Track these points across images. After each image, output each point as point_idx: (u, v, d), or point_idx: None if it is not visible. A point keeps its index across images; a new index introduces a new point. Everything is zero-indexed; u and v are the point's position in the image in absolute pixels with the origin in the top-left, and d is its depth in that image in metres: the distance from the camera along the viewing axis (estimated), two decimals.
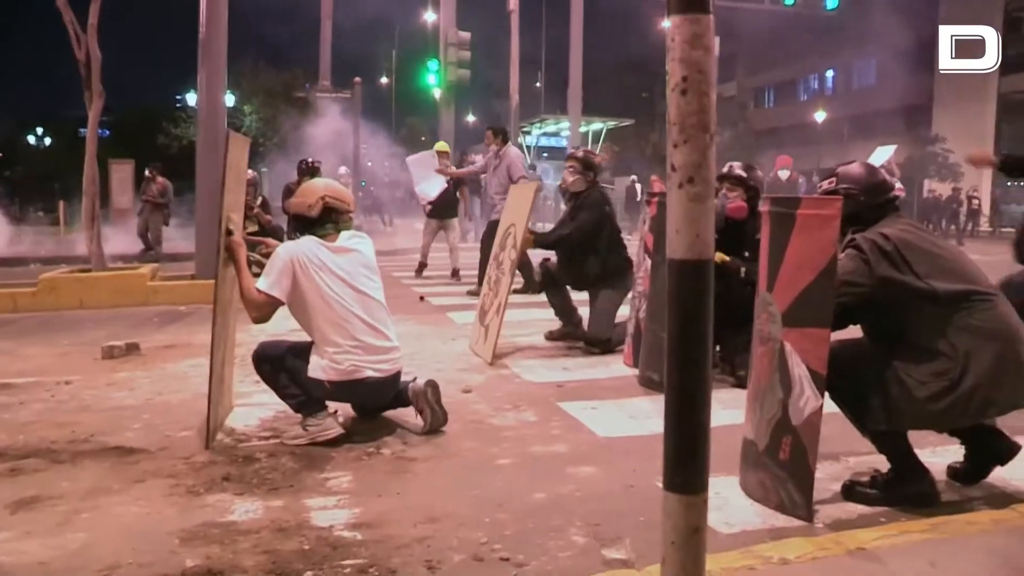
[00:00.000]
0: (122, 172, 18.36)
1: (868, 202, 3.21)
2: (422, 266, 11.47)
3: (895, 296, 3.00)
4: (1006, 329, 2.94)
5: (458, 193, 11.24)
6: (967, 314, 2.93)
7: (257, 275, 3.89)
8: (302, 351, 3.88)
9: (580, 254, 6.15)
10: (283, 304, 3.83)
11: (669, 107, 1.55)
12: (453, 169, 11.37)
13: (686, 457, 1.66)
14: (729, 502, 3.11)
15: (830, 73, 52.71)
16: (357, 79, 19.14)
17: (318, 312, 3.79)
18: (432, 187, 10.73)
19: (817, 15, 27.04)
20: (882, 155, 11.22)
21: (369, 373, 3.83)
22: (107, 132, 41.99)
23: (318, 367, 3.79)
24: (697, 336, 1.60)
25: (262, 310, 3.81)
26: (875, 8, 39.33)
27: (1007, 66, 37.99)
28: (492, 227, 8.93)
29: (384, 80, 54.28)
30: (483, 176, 10.31)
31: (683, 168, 1.55)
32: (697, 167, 1.54)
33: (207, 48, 9.35)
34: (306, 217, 3.96)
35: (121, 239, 14.94)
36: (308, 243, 3.89)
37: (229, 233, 3.81)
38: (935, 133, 38.38)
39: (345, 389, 3.86)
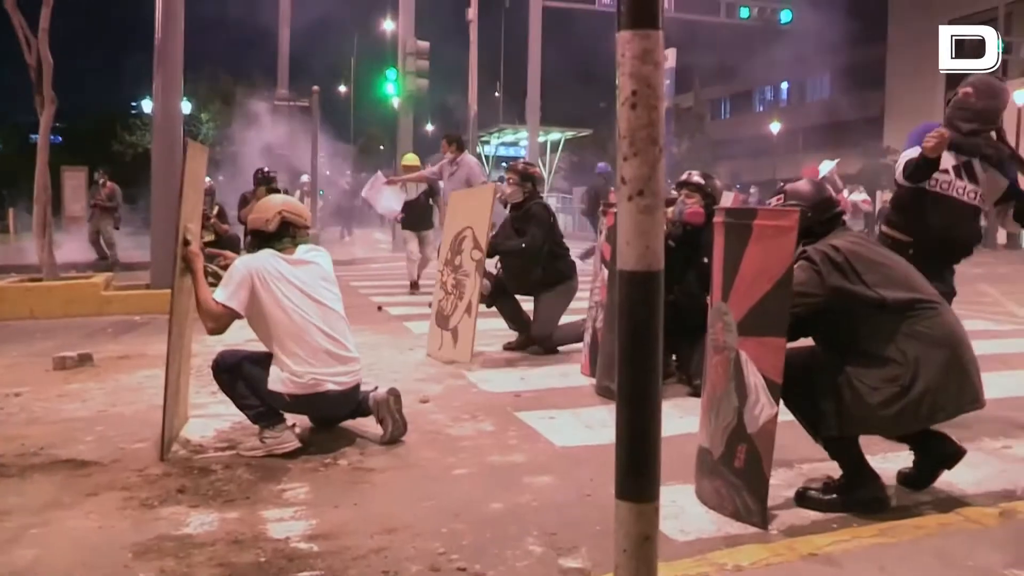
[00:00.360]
0: (75, 179, 18.11)
1: (816, 218, 3.29)
2: (414, 285, 10.76)
3: (846, 305, 3.07)
4: (952, 336, 3.04)
5: (432, 201, 10.82)
6: (915, 321, 3.01)
7: (214, 286, 3.86)
8: (261, 361, 3.84)
9: (526, 263, 6.36)
10: (240, 316, 3.80)
11: (619, 121, 1.58)
12: (401, 176, 11.22)
13: (637, 466, 1.68)
14: (684, 510, 3.15)
15: (785, 85, 53.64)
16: (315, 88, 19.01)
17: (278, 324, 3.76)
18: (392, 201, 10.70)
19: (772, 29, 27.51)
20: (824, 168, 11.48)
21: (330, 386, 3.81)
22: (59, 138, 41.25)
23: (278, 380, 3.76)
24: (647, 346, 1.63)
25: (219, 321, 3.77)
26: (828, 23, 40.08)
27: (953, 81, 38.98)
28: None
29: (343, 89, 54.08)
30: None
31: (633, 181, 1.58)
32: (647, 180, 1.57)
33: (163, 54, 9.24)
34: (264, 232, 3.96)
35: (74, 247, 14.71)
36: (266, 256, 3.87)
37: (186, 243, 3.78)
38: (887, 145, 39.17)
39: (304, 402, 3.84)
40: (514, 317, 6.66)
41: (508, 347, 6.58)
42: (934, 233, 4.39)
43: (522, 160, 7.77)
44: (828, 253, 3.10)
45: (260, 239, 3.97)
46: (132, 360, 5.99)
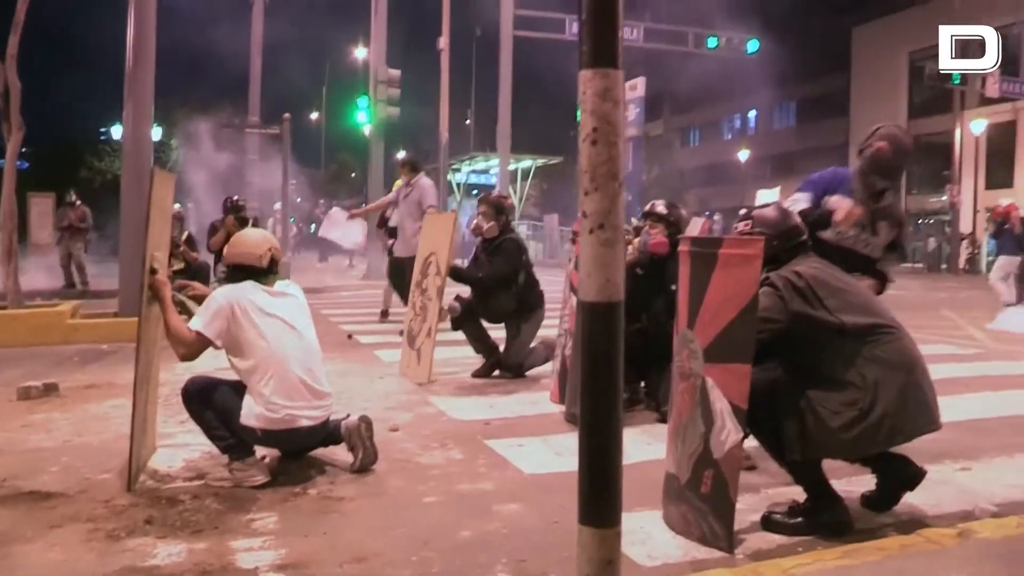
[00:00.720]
0: (42, 205, 17.92)
1: (782, 245, 3.36)
2: (384, 313, 10.63)
3: (808, 330, 3.14)
4: (909, 360, 3.13)
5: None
6: (874, 346, 3.09)
7: (182, 315, 3.86)
8: (234, 392, 3.83)
9: (494, 293, 6.54)
10: (214, 345, 3.79)
11: (580, 156, 1.63)
12: (361, 208, 11.44)
13: (599, 491, 1.71)
14: (652, 535, 3.18)
15: (752, 114, 54.46)
16: (286, 115, 19.02)
17: (257, 356, 3.76)
18: (355, 234, 10.83)
19: (739, 58, 27.97)
20: (767, 198, 11.74)
21: (303, 422, 3.83)
22: (26, 164, 40.84)
23: (251, 414, 3.75)
24: (608, 375, 1.67)
25: (190, 348, 3.77)
26: (793, 53, 40.85)
27: (915, 110, 39.90)
28: (403, 262, 9.12)
29: (314, 116, 54.12)
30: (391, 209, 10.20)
31: (593, 215, 1.62)
32: (607, 214, 1.62)
33: (133, 80, 9.23)
34: (256, 267, 3.96)
35: (40, 275, 14.51)
36: (249, 287, 3.89)
37: (153, 271, 3.78)
38: None
39: (277, 437, 3.85)
40: (480, 340, 6.74)
41: (475, 375, 6.65)
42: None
43: (495, 192, 7.89)
44: (790, 279, 3.18)
45: (248, 273, 3.96)
46: (99, 389, 5.93)
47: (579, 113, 1.64)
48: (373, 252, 18.89)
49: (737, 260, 2.99)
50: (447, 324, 6.63)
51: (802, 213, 4.34)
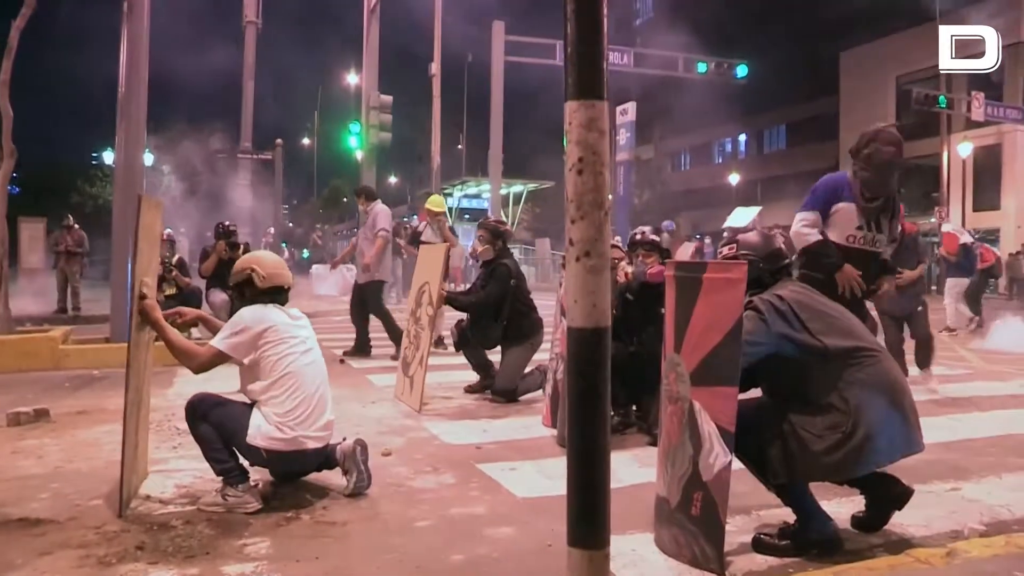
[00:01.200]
0: (32, 230, 17.86)
1: (768, 268, 3.41)
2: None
3: (792, 354, 3.17)
4: (891, 383, 3.16)
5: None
6: (856, 369, 3.13)
7: None
8: (240, 413, 3.83)
9: (487, 319, 6.71)
10: (229, 360, 3.84)
11: (567, 185, 1.66)
12: (337, 259, 12.15)
13: (587, 514, 1.73)
14: (644, 558, 3.19)
15: (743, 137, 54.82)
16: (279, 141, 19.11)
17: (275, 377, 3.80)
18: (339, 281, 11.15)
19: (729, 83, 28.21)
20: (743, 216, 11.87)
21: (310, 445, 3.85)
22: (16, 189, 40.80)
23: (259, 434, 3.76)
24: (595, 400, 1.69)
25: (203, 363, 3.84)
26: (783, 78, 41.24)
27: (902, 133, 40.13)
28: (360, 289, 9.35)
29: (306, 142, 54.31)
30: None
31: (580, 243, 1.66)
32: (593, 242, 1.65)
33: (126, 106, 9.25)
34: (282, 288, 4.05)
35: (30, 300, 14.47)
36: (272, 309, 3.94)
37: (142, 296, 3.80)
38: None
39: (282, 459, 3.86)
40: (480, 363, 6.98)
41: (469, 390, 6.93)
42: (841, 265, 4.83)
43: (492, 218, 7.96)
44: (773, 302, 3.22)
45: (272, 293, 4.01)
46: (90, 415, 5.91)
47: (565, 143, 1.68)
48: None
49: (721, 284, 3.03)
50: (440, 349, 6.72)
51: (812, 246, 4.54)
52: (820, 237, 4.86)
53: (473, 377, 7.07)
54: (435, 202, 10.86)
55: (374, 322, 9.42)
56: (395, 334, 9.31)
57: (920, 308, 6.24)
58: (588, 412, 1.69)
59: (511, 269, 6.79)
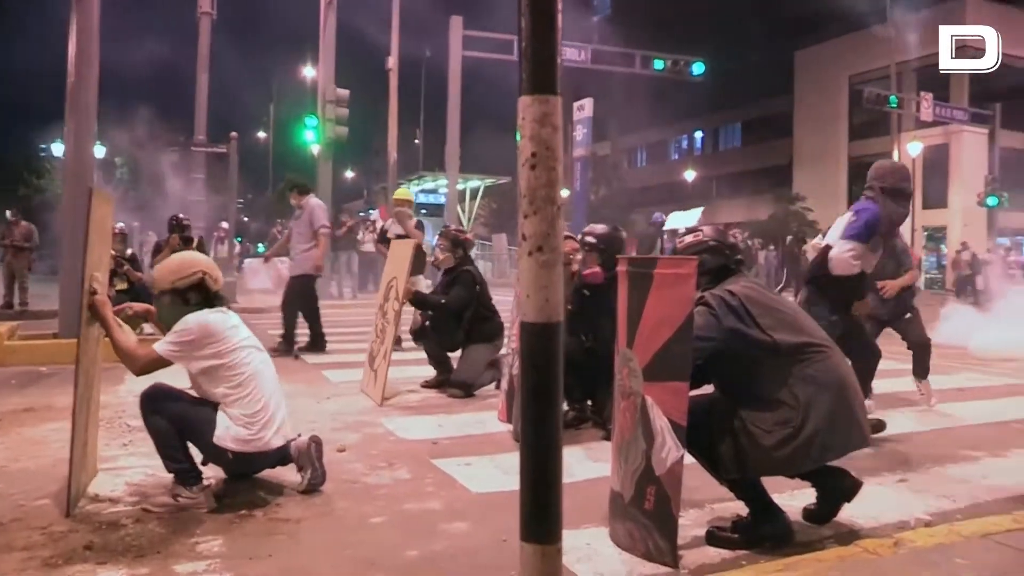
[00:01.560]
0: None
1: (731, 256, 3.48)
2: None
3: (742, 349, 3.22)
4: (839, 379, 3.22)
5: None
6: (806, 365, 3.18)
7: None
8: (203, 412, 3.75)
9: (449, 323, 6.82)
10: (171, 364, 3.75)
11: (520, 180, 1.67)
12: (269, 252, 12.29)
13: (540, 508, 1.74)
14: (598, 552, 3.21)
15: (699, 135, 55.37)
16: (233, 134, 18.82)
17: (237, 381, 3.74)
18: (273, 274, 11.12)
19: (684, 80, 28.42)
20: (683, 219, 12.03)
21: (275, 443, 3.83)
22: None
23: (228, 436, 3.70)
24: (547, 395, 1.70)
25: (146, 366, 3.75)
26: (739, 76, 41.72)
27: (854, 132, 41.01)
28: (292, 283, 9.22)
29: (262, 135, 53.69)
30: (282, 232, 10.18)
31: (533, 237, 1.66)
32: (546, 236, 1.66)
33: (75, 97, 9.04)
34: (210, 291, 3.90)
35: None
36: (218, 314, 3.83)
37: (93, 292, 3.72)
38: (796, 192, 40.71)
39: (246, 461, 3.82)
40: (437, 357, 7.04)
41: (426, 384, 6.97)
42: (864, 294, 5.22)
43: (454, 227, 7.95)
44: (724, 297, 3.27)
45: (207, 298, 3.88)
46: (37, 413, 5.78)
47: (519, 138, 1.68)
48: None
49: (672, 280, 3.06)
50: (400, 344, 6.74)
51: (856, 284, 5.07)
52: (860, 271, 5.09)
53: (431, 372, 7.08)
54: (401, 193, 10.75)
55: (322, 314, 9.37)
56: (316, 332, 9.19)
57: (909, 315, 6.24)
58: (540, 407, 1.70)
59: (474, 275, 6.88)
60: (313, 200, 9.52)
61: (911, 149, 32.87)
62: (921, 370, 6.24)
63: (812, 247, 5.38)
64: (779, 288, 19.51)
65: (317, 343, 9.25)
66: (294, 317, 9.20)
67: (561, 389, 1.74)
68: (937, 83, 33.90)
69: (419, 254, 9.50)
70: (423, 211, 37.65)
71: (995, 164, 33.61)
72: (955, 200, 36.14)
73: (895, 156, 31.21)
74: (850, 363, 3.49)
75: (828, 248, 5.12)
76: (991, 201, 30.99)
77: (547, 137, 1.66)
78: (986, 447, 5.02)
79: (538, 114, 1.65)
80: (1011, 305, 11.39)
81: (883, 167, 5.32)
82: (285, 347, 8.97)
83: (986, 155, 34.72)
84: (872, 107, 29.16)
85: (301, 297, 9.18)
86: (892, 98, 28.63)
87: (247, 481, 4.07)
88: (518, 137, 1.68)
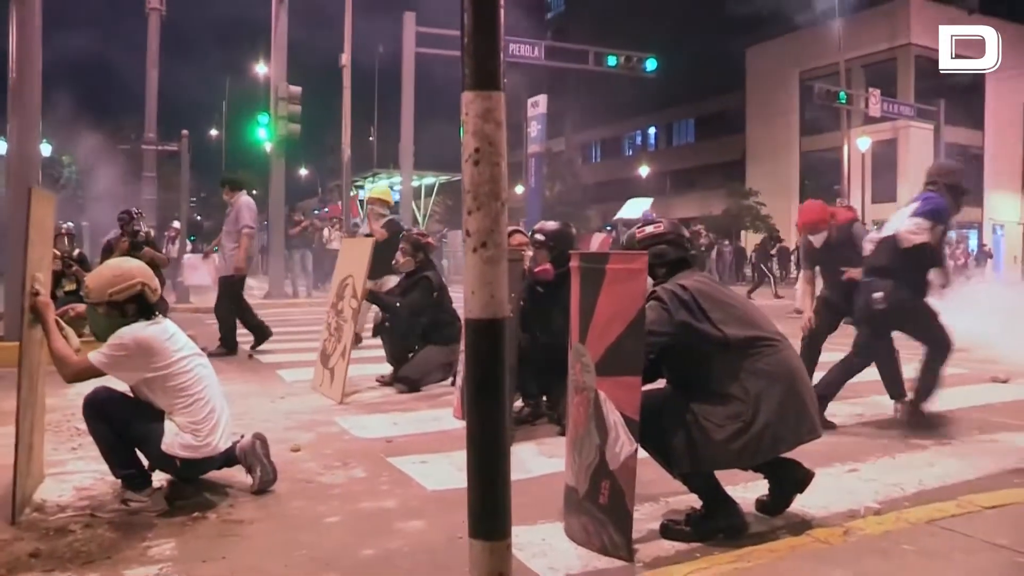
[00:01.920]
0: None
1: (688, 249, 3.53)
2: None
3: (693, 343, 3.24)
4: (789, 372, 3.26)
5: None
6: (756, 359, 3.22)
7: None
8: (152, 420, 3.68)
9: (406, 324, 6.79)
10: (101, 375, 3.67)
11: (464, 176, 1.66)
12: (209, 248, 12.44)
13: (488, 505, 1.74)
14: (554, 547, 3.22)
15: (652, 131, 55.76)
16: (185, 132, 18.55)
17: (181, 389, 3.68)
18: (204, 276, 11.24)
19: (638, 76, 28.56)
20: (636, 207, 12.15)
21: (222, 446, 3.79)
22: None
23: (176, 443, 3.64)
24: (493, 391, 1.70)
25: (78, 375, 3.65)
26: (692, 72, 42.09)
27: (805, 128, 41.65)
28: (220, 284, 9.17)
29: (214, 133, 52.96)
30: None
31: (477, 233, 1.66)
32: (490, 232, 1.65)
33: (18, 95, 8.81)
34: (148, 302, 3.79)
35: None
36: (155, 326, 3.73)
37: (36, 293, 3.63)
38: (749, 187, 41.23)
39: (194, 466, 3.76)
40: (395, 356, 6.98)
41: (381, 380, 6.95)
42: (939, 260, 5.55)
43: (416, 230, 7.82)
44: (676, 292, 3.29)
45: (144, 308, 3.77)
46: None
47: (462, 133, 1.67)
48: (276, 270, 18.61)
49: (624, 275, 3.07)
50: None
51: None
52: (926, 242, 5.26)
53: (388, 369, 7.04)
54: (376, 191, 10.45)
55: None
56: (230, 334, 8.94)
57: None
58: (486, 403, 1.70)
59: (433, 281, 6.84)
60: (243, 198, 9.30)
61: (860, 144, 33.51)
62: (925, 389, 6.50)
63: (870, 241, 5.53)
64: (751, 290, 19.74)
65: (260, 335, 9.10)
66: (226, 318, 9.05)
67: (506, 385, 1.73)
68: (884, 79, 34.62)
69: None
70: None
71: (941, 159, 34.32)
72: (903, 194, 36.83)
73: (845, 151, 31.82)
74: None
75: (890, 237, 5.36)
76: None
77: (490, 132, 1.65)
78: (933, 436, 5.13)
79: (481, 110, 1.64)
80: (960, 296, 11.62)
81: (946, 166, 6.10)
82: (224, 350, 8.82)
83: (932, 150, 35.50)
84: (822, 103, 29.63)
85: (227, 298, 9.04)
86: (841, 94, 29.12)
87: (198, 483, 4.01)
88: (461, 133, 1.67)
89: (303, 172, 53.35)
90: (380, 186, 11.41)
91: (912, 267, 5.29)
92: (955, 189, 5.52)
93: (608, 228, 31.40)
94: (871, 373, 6.02)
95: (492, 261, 1.65)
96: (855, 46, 32.98)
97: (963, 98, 36.28)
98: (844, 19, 31.49)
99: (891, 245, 5.31)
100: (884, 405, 5.82)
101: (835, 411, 5.55)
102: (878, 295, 5.24)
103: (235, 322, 9.03)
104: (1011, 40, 37.95)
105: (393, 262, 7.20)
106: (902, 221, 5.37)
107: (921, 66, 36.19)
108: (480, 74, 1.65)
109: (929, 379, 5.38)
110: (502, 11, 1.65)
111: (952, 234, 34.84)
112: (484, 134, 1.65)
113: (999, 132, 39.97)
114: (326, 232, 19.52)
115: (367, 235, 8.74)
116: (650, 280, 3.37)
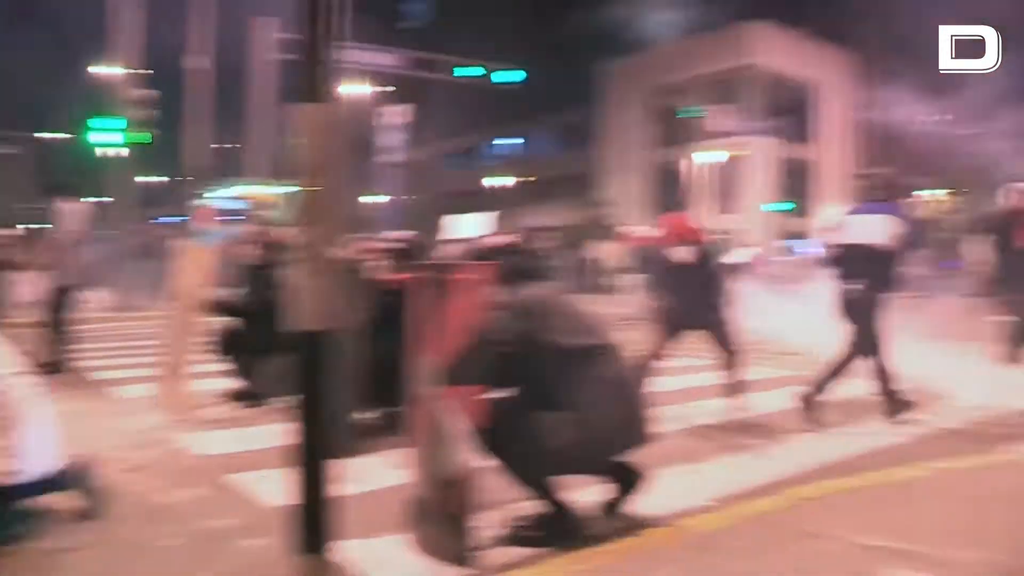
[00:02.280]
0: None
1: (536, 260, 3.62)
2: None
3: (534, 352, 3.31)
4: (621, 379, 3.39)
5: None
6: (590, 367, 3.32)
7: None
8: None
9: (257, 330, 6.32)
10: None
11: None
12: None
13: (310, 519, 1.72)
14: (397, 558, 3.21)
15: (512, 141, 56.40)
16: (32, 133, 17.44)
17: None
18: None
19: (501, 87, 28.91)
20: (464, 225, 12.32)
21: (38, 471, 3.52)
22: None
23: None
24: (314, 404, 1.69)
25: None
26: (552, 85, 42.92)
27: (657, 141, 43.19)
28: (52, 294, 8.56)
29: (63, 136, 49.99)
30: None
31: (305, 246, 1.64)
32: (319, 245, 1.64)
33: None
34: None
35: None
36: None
37: None
38: (603, 198, 42.40)
39: (8, 494, 3.49)
40: (241, 368, 6.64)
41: (226, 396, 6.54)
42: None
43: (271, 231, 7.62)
44: (519, 301, 3.36)
45: None
46: None
47: (292, 144, 1.65)
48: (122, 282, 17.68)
49: (468, 286, 3.11)
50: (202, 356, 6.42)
51: None
52: None
53: (232, 384, 6.75)
54: (259, 195, 10.12)
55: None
56: (54, 344, 8.37)
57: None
58: (308, 416, 1.68)
59: (277, 277, 6.59)
60: (63, 205, 8.72)
61: (700, 158, 35.08)
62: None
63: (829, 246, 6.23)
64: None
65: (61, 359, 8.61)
66: (54, 331, 8.51)
67: (327, 398, 1.72)
68: (730, 96, 36.37)
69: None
70: (229, 216, 36.11)
71: (782, 173, 36.38)
72: (746, 206, 38.77)
73: (685, 165, 33.25)
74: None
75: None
76: (786, 206, 33.47)
77: (320, 145, 1.63)
78: (766, 436, 5.42)
79: (313, 121, 1.62)
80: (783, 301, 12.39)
81: (888, 176, 6.46)
82: (53, 366, 8.30)
83: (774, 165, 37.58)
84: (672, 118, 30.86)
85: (52, 310, 8.54)
86: (690, 110, 30.45)
87: (15, 512, 3.73)
88: (290, 144, 1.64)
89: (152, 179, 50.99)
90: (256, 191, 11.05)
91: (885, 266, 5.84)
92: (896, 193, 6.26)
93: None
94: (709, 378, 6.31)
95: (318, 273, 1.63)
96: (702, 64, 34.51)
97: (802, 116, 38.59)
98: (693, 39, 32.93)
99: (867, 251, 5.82)
100: (727, 406, 6.07)
101: (676, 414, 5.74)
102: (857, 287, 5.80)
103: (63, 336, 8.50)
104: (835, 63, 40.88)
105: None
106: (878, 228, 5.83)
107: (762, 85, 38.25)
108: (311, 86, 1.64)
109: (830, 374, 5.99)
110: (333, 26, 1.64)
111: (791, 243, 36.99)
112: (316, 145, 1.63)
113: (828, 147, 42.54)
114: (173, 241, 18.73)
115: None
116: (498, 290, 3.42)
